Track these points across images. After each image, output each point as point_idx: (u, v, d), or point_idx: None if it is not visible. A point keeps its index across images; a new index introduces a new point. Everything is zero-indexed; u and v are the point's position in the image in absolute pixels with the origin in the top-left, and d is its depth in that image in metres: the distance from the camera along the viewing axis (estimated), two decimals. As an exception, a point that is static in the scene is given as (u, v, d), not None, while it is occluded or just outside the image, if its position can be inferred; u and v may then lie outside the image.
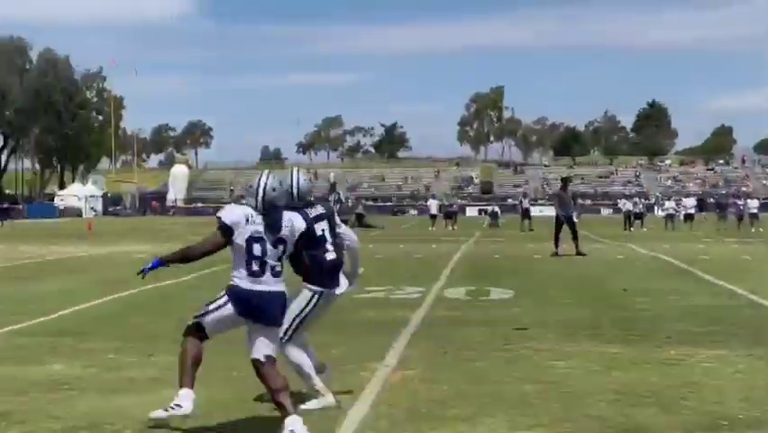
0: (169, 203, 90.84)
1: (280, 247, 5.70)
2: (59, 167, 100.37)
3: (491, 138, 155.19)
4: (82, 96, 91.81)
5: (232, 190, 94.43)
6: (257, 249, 5.60)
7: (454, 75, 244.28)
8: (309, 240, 6.13)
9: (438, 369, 7.73)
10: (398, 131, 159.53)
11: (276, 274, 5.69)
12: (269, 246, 5.64)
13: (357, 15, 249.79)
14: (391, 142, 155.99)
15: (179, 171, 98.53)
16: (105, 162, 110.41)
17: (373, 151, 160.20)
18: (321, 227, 6.35)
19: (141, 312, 11.78)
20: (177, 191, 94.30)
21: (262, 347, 5.66)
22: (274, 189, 5.72)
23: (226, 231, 5.64)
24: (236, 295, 5.66)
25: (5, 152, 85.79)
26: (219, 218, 5.72)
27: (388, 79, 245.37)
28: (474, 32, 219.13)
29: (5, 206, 54.03)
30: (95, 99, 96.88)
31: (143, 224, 56.05)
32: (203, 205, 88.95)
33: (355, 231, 7.50)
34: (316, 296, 6.28)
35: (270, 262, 5.65)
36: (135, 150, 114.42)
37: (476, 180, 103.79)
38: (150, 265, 5.78)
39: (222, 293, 5.75)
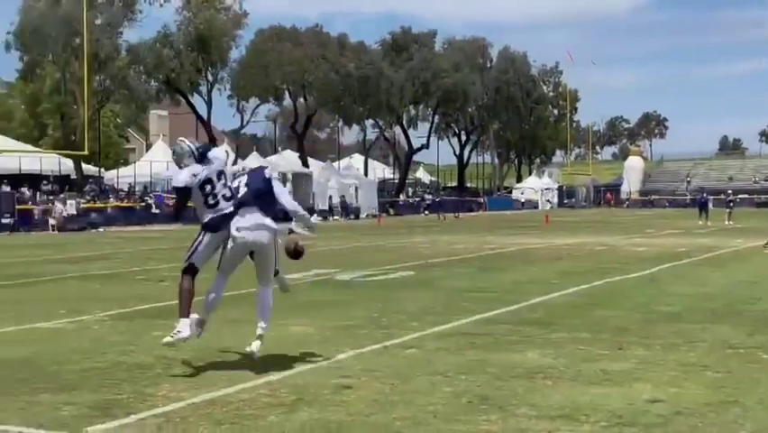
0: (623, 195, 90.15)
1: (223, 179, 7.70)
2: (516, 161, 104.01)
3: None
4: (539, 91, 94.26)
5: (689, 181, 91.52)
6: (207, 189, 7.57)
7: None
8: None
9: None
10: None
11: (227, 199, 7.64)
12: (215, 183, 7.61)
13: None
14: None
15: (634, 163, 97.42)
16: (558, 155, 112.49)
17: None
18: (240, 182, 7.84)
19: (605, 304, 11.78)
20: (631, 183, 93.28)
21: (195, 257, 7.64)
22: (198, 148, 7.74)
23: (184, 192, 7.61)
24: (208, 225, 7.59)
25: (468, 147, 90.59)
26: (175, 187, 7.69)
27: None
28: None
29: (437, 200, 57.49)
30: (550, 94, 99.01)
31: (598, 216, 56.22)
32: (658, 197, 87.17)
33: None
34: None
35: (220, 192, 7.61)
36: (590, 142, 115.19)
37: None
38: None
39: (196, 235, 7.65)
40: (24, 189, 43.84)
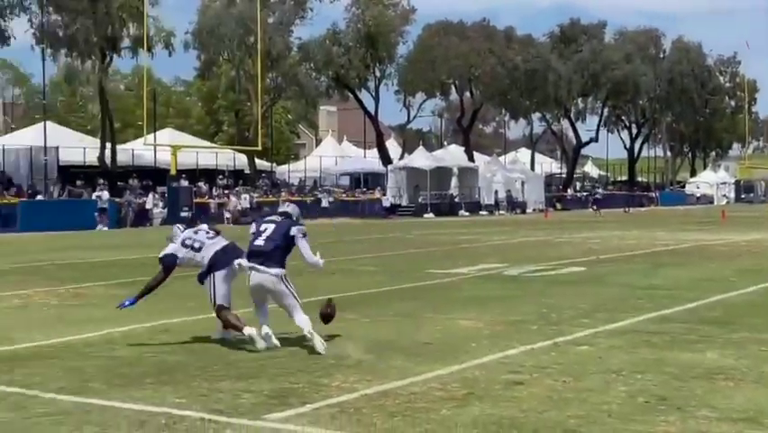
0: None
1: (199, 233, 8.89)
2: (689, 154, 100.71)
3: None
4: (715, 81, 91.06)
5: None
6: (188, 242, 8.72)
7: None
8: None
9: None
10: None
11: (210, 238, 8.83)
12: (193, 236, 8.81)
13: None
14: None
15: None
16: (735, 149, 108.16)
17: None
18: (266, 229, 8.50)
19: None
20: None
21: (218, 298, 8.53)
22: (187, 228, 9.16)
23: (170, 259, 8.71)
24: (211, 267, 8.53)
25: (639, 140, 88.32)
26: (163, 255, 8.77)
27: None
28: None
29: (596, 195, 56.41)
30: (727, 84, 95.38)
31: (778, 211, 53.64)
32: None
33: None
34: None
35: (201, 238, 8.76)
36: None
37: None
38: (128, 303, 8.67)
39: (207, 282, 8.59)
40: (201, 184, 45.63)
